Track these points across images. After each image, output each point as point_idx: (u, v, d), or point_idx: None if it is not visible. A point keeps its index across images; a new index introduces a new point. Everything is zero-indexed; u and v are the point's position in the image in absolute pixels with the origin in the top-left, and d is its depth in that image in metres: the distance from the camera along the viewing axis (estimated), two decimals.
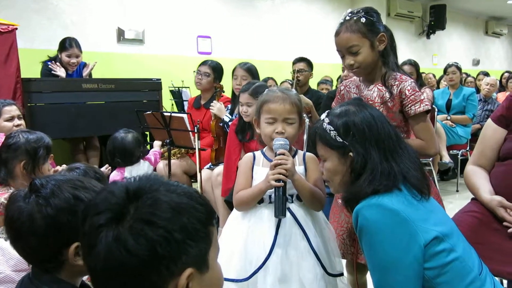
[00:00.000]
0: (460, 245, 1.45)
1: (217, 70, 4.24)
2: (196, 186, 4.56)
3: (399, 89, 1.99)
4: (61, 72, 4.48)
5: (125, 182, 0.94)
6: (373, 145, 1.51)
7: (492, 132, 2.08)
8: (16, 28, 4.14)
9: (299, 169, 1.90)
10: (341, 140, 1.55)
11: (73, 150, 4.65)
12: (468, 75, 8.13)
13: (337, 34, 2.03)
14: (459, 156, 5.70)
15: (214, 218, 0.98)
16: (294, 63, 4.71)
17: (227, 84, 4.26)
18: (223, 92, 4.23)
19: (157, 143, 3.74)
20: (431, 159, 4.92)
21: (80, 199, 1.22)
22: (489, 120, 2.13)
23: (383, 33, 2.00)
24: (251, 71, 4.02)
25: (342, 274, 1.92)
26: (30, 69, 4.70)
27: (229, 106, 4.01)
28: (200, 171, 3.58)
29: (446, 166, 5.36)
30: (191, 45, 6.59)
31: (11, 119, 3.03)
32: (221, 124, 3.87)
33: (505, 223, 1.85)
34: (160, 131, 3.73)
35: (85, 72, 4.66)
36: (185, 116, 3.59)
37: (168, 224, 0.86)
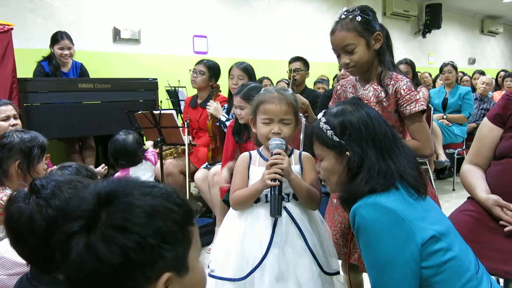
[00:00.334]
0: (456, 244, 1.46)
1: (212, 68, 4.24)
2: (193, 185, 4.58)
3: (394, 88, 1.98)
4: None
5: (97, 186, 0.90)
6: (370, 144, 1.52)
7: (488, 131, 2.09)
8: (12, 28, 4.12)
9: (295, 168, 1.90)
10: (337, 140, 1.55)
11: (69, 151, 4.64)
12: (464, 74, 8.14)
13: (332, 32, 2.02)
14: (455, 155, 5.72)
15: (193, 217, 0.96)
16: (290, 62, 4.71)
17: (224, 83, 4.26)
18: (220, 91, 4.23)
19: (149, 143, 3.75)
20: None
21: None
22: (485, 119, 2.14)
23: (379, 32, 1.99)
24: (248, 70, 4.02)
25: (338, 273, 1.93)
26: (26, 69, 4.69)
27: (226, 105, 4.01)
28: (188, 165, 3.59)
29: (442, 165, 5.37)
30: (187, 45, 6.59)
31: (6, 119, 3.02)
32: (217, 124, 3.87)
33: (501, 222, 1.86)
34: (152, 130, 3.74)
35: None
36: (173, 112, 3.60)
37: (141, 230, 0.84)
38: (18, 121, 3.11)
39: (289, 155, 1.94)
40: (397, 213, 1.40)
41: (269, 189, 1.80)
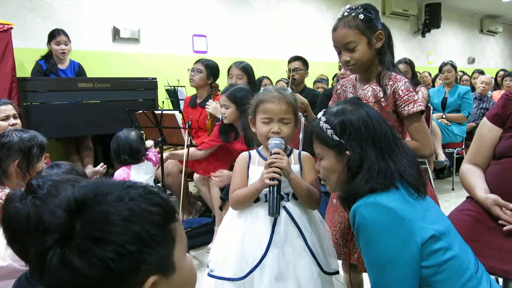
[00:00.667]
0: (456, 244, 1.46)
1: (209, 67, 4.24)
2: (192, 184, 4.58)
3: (392, 89, 1.98)
4: None
5: (69, 194, 0.86)
6: (370, 144, 1.52)
7: (487, 130, 2.09)
8: (12, 28, 4.13)
9: (295, 167, 1.90)
10: (337, 139, 1.56)
11: (66, 151, 4.64)
12: (463, 74, 8.15)
13: (334, 29, 2.02)
14: (454, 155, 5.72)
15: (174, 214, 0.92)
16: (289, 61, 4.71)
17: (223, 83, 4.26)
18: (219, 91, 4.22)
19: (149, 143, 3.74)
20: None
21: None
22: (485, 118, 2.14)
23: (380, 31, 1.99)
24: (247, 70, 4.03)
25: (337, 272, 1.93)
26: (26, 69, 4.70)
27: None
28: (186, 166, 3.59)
29: (442, 165, 5.37)
30: (186, 44, 6.58)
31: (6, 118, 3.02)
32: (217, 123, 3.87)
33: (500, 222, 1.86)
34: (152, 129, 3.73)
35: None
36: (176, 112, 3.59)
37: (119, 238, 0.80)
38: (18, 121, 3.11)
39: (289, 155, 1.94)
40: (397, 213, 1.40)
41: (268, 188, 1.80)
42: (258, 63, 6.00)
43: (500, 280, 1.88)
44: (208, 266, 1.93)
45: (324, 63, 7.57)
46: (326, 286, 1.86)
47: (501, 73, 8.38)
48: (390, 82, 1.99)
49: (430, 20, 10.64)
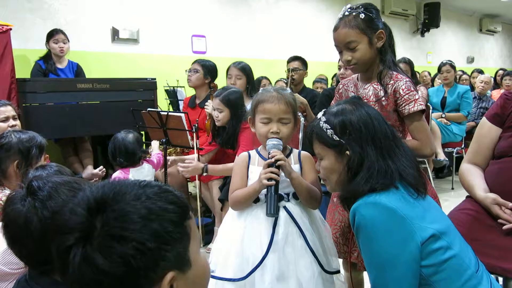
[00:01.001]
0: (456, 243, 1.46)
1: (206, 66, 4.24)
2: (192, 185, 4.58)
3: (393, 88, 1.98)
4: None
5: (86, 194, 0.89)
6: (370, 144, 1.52)
7: (487, 130, 2.09)
8: (11, 29, 4.13)
9: (295, 167, 1.91)
10: (337, 139, 1.56)
11: (64, 153, 4.65)
12: (463, 73, 8.15)
13: (335, 29, 2.02)
14: (454, 154, 5.72)
15: (189, 212, 0.95)
16: (288, 61, 4.71)
17: (222, 83, 4.26)
18: None
19: (155, 144, 3.71)
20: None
21: None
22: (484, 118, 2.14)
23: (381, 30, 1.99)
24: (245, 70, 4.03)
25: (338, 272, 1.93)
26: (25, 70, 4.70)
27: None
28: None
29: (441, 164, 5.38)
30: (185, 45, 6.58)
31: (6, 119, 3.02)
32: None
33: (500, 221, 1.86)
34: (156, 130, 3.72)
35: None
36: (182, 115, 3.59)
37: (138, 235, 0.83)
38: (17, 122, 3.11)
39: (288, 155, 1.94)
40: (397, 212, 1.40)
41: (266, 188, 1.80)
42: (257, 63, 6.00)
43: (500, 279, 1.88)
44: None
45: (323, 63, 7.57)
46: (327, 285, 1.86)
47: (500, 72, 8.39)
48: (391, 81, 1.99)
49: (429, 19, 10.64)
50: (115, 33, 5.82)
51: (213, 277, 1.85)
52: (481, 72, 8.01)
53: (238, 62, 4.13)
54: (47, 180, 1.26)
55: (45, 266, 1.20)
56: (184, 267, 0.90)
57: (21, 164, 2.25)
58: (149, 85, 4.85)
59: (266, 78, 6.19)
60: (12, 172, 2.26)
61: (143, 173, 3.32)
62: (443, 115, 5.77)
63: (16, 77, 4.10)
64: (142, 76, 5.01)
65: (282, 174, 1.83)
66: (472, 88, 7.01)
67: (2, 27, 4.04)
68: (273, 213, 1.75)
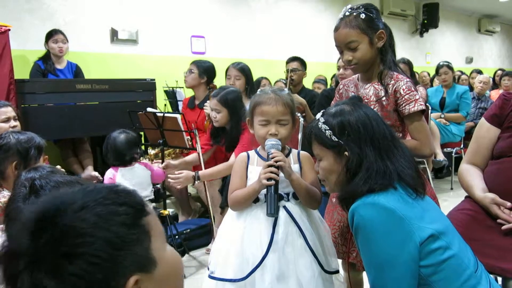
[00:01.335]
0: (455, 243, 1.46)
1: (201, 66, 4.25)
2: (191, 185, 4.57)
3: (394, 88, 1.99)
4: None
5: (28, 215, 0.82)
6: (368, 144, 1.52)
7: (485, 131, 2.09)
8: (9, 29, 4.13)
9: (294, 167, 1.91)
10: (336, 140, 1.56)
11: (63, 154, 4.65)
12: (462, 73, 8.16)
13: (336, 29, 2.02)
14: (453, 154, 5.73)
15: (144, 207, 0.88)
16: (287, 62, 4.71)
17: (221, 84, 4.26)
18: None
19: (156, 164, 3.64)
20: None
21: None
22: (483, 119, 2.14)
23: (382, 30, 2.00)
24: (244, 70, 4.03)
25: (338, 272, 1.93)
26: (24, 70, 4.69)
27: None
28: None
29: (440, 164, 5.38)
30: (185, 45, 6.58)
31: (7, 120, 3.03)
32: None
33: (499, 221, 1.87)
34: (153, 131, 3.72)
35: None
36: (178, 116, 3.59)
37: (89, 248, 0.77)
38: (18, 123, 3.11)
39: (287, 155, 1.94)
40: (396, 213, 1.40)
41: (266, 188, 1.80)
42: (256, 63, 6.01)
43: (500, 279, 1.88)
44: (208, 268, 1.93)
45: (322, 63, 7.58)
46: (327, 285, 1.86)
47: (499, 72, 8.40)
48: (392, 81, 2.00)
49: (428, 20, 10.65)
50: (114, 33, 5.82)
51: (213, 278, 1.86)
52: (480, 72, 8.01)
53: (237, 62, 4.13)
54: (50, 180, 1.27)
55: None
56: (148, 268, 0.85)
57: (20, 165, 2.24)
58: (148, 86, 4.85)
59: (265, 78, 6.19)
60: (11, 173, 2.25)
61: (134, 173, 3.25)
62: (442, 116, 5.78)
63: (15, 78, 4.10)
64: (141, 77, 5.02)
65: (282, 174, 1.83)
66: (471, 89, 7.01)
67: (1, 28, 4.04)
68: (273, 213, 1.75)
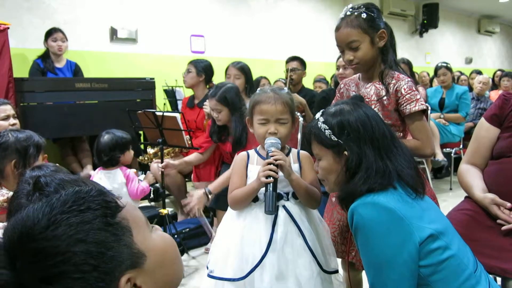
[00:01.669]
0: (455, 243, 1.46)
1: (198, 65, 4.25)
2: (191, 185, 4.57)
3: (395, 87, 1.98)
4: None
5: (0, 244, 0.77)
6: (368, 144, 1.52)
7: (485, 131, 2.09)
8: (8, 28, 4.13)
9: (294, 167, 1.91)
10: (335, 139, 1.56)
11: (62, 153, 4.64)
12: (461, 74, 8.16)
13: (337, 29, 2.02)
14: (452, 154, 5.73)
15: (115, 205, 0.84)
16: (287, 61, 4.71)
17: None
18: None
19: (150, 176, 3.55)
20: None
21: None
22: (482, 119, 2.14)
23: (383, 30, 2.00)
24: (244, 70, 4.03)
25: (337, 271, 1.93)
26: (23, 69, 4.69)
27: None
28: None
29: (440, 164, 5.38)
30: (184, 44, 6.58)
31: (6, 118, 3.03)
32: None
33: (498, 221, 1.86)
34: (152, 130, 3.72)
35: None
36: (177, 115, 3.58)
37: (68, 267, 0.73)
38: (17, 121, 3.11)
39: (287, 154, 1.94)
40: (395, 212, 1.40)
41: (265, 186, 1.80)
42: (256, 63, 6.01)
43: (499, 279, 1.88)
44: (207, 267, 1.93)
45: (322, 63, 7.58)
46: (326, 285, 1.86)
47: (499, 73, 8.41)
48: (393, 81, 2.00)
49: (427, 20, 10.67)
50: (113, 32, 5.82)
51: (213, 277, 1.85)
52: (479, 73, 8.01)
53: (237, 62, 4.13)
54: (54, 177, 1.26)
55: None
56: (138, 262, 0.82)
57: (19, 164, 2.24)
58: (148, 85, 4.85)
59: (265, 78, 6.19)
60: (10, 171, 2.25)
61: (112, 178, 3.15)
62: (442, 116, 5.78)
63: (14, 76, 4.10)
64: (141, 76, 5.02)
65: (281, 173, 1.82)
66: (471, 89, 7.01)
67: (0, 26, 4.04)
68: (271, 210, 1.74)
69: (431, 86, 7.57)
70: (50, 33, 4.69)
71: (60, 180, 1.25)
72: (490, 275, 1.59)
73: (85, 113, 4.42)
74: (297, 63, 4.61)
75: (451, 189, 5.71)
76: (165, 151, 4.14)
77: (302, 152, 1.99)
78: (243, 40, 7.27)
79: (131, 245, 0.82)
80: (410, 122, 2.00)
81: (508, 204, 1.88)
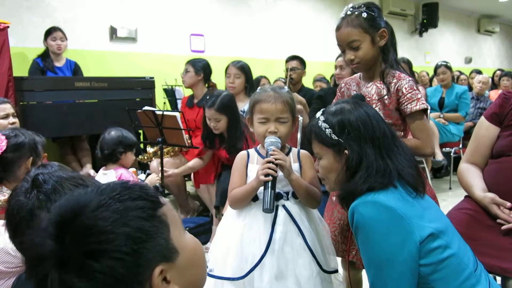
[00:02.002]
0: (455, 242, 1.46)
1: (196, 64, 4.25)
2: (190, 184, 4.58)
3: (396, 87, 1.98)
4: None
5: (49, 218, 0.84)
6: (368, 143, 1.52)
7: (485, 130, 2.09)
8: (8, 26, 4.13)
9: (294, 166, 1.90)
10: (336, 138, 1.56)
11: (62, 152, 4.64)
12: (461, 73, 8.16)
13: (338, 28, 2.02)
14: (452, 154, 5.73)
15: (158, 199, 0.91)
16: (287, 61, 4.71)
17: (221, 82, 4.26)
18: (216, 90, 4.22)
19: (151, 177, 3.54)
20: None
21: None
22: (482, 117, 2.14)
23: (384, 29, 2.00)
24: (244, 69, 4.02)
25: (336, 271, 1.93)
26: (22, 68, 4.69)
27: None
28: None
29: (439, 164, 5.38)
30: (184, 43, 6.58)
31: (6, 116, 3.02)
32: None
33: (498, 221, 1.86)
34: (152, 129, 3.72)
35: None
36: (177, 114, 3.58)
37: (110, 246, 0.79)
38: (16, 120, 3.11)
39: (287, 153, 1.94)
40: (396, 211, 1.40)
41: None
42: (256, 62, 6.00)
43: (499, 278, 1.88)
44: (207, 266, 1.93)
45: (322, 62, 7.57)
46: (325, 285, 1.86)
47: (498, 72, 8.40)
48: (394, 80, 2.00)
49: (427, 19, 10.66)
50: (113, 31, 5.82)
51: (212, 276, 1.85)
52: (479, 72, 8.02)
53: (237, 61, 4.13)
54: (52, 175, 1.27)
55: None
56: (171, 257, 0.87)
57: (33, 161, 2.21)
58: (147, 84, 4.85)
59: (265, 77, 6.19)
60: (23, 170, 2.21)
61: (104, 177, 3.13)
62: (441, 115, 5.78)
63: (14, 75, 4.10)
64: (140, 75, 5.02)
65: (281, 173, 1.82)
66: (470, 88, 7.02)
67: (0, 25, 4.03)
68: (269, 208, 1.73)
69: (430, 85, 7.57)
70: (50, 32, 4.69)
71: (58, 178, 1.26)
72: (490, 275, 1.59)
73: (85, 112, 4.42)
74: (297, 63, 4.61)
75: (450, 188, 5.71)
76: (165, 150, 4.14)
77: (302, 151, 1.99)
78: (243, 39, 7.26)
79: (167, 239, 0.87)
80: (411, 122, 2.00)
81: (508, 204, 1.88)
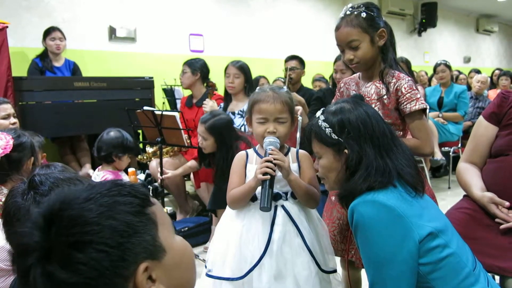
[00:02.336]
0: (454, 241, 1.47)
1: (193, 65, 4.26)
2: (190, 184, 4.58)
3: (395, 86, 1.99)
4: None
5: (37, 211, 0.84)
6: (368, 142, 1.52)
7: (483, 129, 2.09)
8: (7, 26, 4.12)
9: (293, 166, 1.90)
10: (336, 137, 1.56)
11: (61, 152, 4.64)
12: (460, 73, 8.17)
13: (337, 28, 2.02)
14: (451, 153, 5.74)
15: (149, 198, 0.91)
16: (286, 61, 4.71)
17: (220, 82, 4.25)
18: (216, 90, 4.22)
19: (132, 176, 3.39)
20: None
21: None
22: (481, 117, 2.14)
23: (383, 29, 2.00)
24: (243, 69, 4.02)
25: (335, 271, 1.93)
26: (21, 68, 4.69)
27: (222, 104, 4.01)
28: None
29: (438, 163, 5.39)
30: (183, 43, 6.57)
31: (7, 117, 3.03)
32: None
33: (497, 220, 1.87)
34: (151, 129, 3.72)
35: None
36: (176, 114, 3.58)
37: (95, 237, 0.79)
38: (17, 120, 3.11)
39: (286, 153, 1.94)
40: (395, 210, 1.40)
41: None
42: (255, 62, 6.00)
43: (497, 277, 1.88)
44: (206, 266, 1.93)
45: (321, 62, 7.57)
46: (324, 285, 1.86)
47: (497, 72, 8.40)
48: (393, 80, 2.00)
49: (426, 19, 10.66)
50: (112, 31, 5.81)
51: (211, 276, 1.85)
52: (478, 72, 8.02)
53: (237, 61, 4.12)
54: (49, 176, 1.27)
55: None
56: (157, 255, 0.87)
57: (36, 161, 2.22)
58: (147, 84, 4.85)
59: (264, 77, 6.19)
60: (27, 170, 2.22)
61: (96, 179, 3.08)
62: (440, 115, 5.79)
63: (13, 75, 4.09)
64: (140, 75, 5.02)
65: (280, 173, 1.82)
66: (469, 88, 7.02)
67: None
68: (266, 206, 1.72)
69: (429, 85, 7.58)
70: (48, 32, 4.68)
71: (54, 179, 1.26)
72: (489, 274, 1.59)
73: (84, 112, 4.42)
74: (296, 62, 4.61)
75: (449, 188, 5.72)
76: (164, 150, 4.14)
77: (301, 151, 1.99)
78: (242, 39, 7.26)
79: (155, 237, 0.87)
80: (410, 121, 2.00)
81: (507, 203, 1.88)
